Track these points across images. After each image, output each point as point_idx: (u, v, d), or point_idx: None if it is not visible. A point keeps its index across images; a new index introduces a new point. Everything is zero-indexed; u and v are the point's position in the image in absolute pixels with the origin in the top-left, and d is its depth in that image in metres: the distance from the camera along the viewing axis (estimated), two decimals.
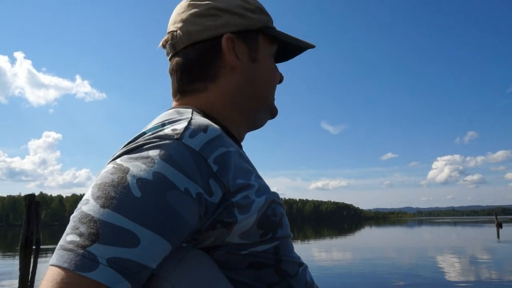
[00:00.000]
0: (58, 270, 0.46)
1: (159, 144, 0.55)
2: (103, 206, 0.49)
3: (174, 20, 0.77)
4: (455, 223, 66.94)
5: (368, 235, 32.64)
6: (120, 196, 0.50)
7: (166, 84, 0.81)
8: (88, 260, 0.46)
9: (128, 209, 0.49)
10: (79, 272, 0.45)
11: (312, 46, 0.85)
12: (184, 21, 0.75)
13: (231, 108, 0.76)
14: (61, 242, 0.49)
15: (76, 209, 0.52)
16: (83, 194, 0.55)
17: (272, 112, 0.84)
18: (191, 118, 0.62)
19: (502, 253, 14.12)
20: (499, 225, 39.23)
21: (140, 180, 0.51)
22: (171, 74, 0.78)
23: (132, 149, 0.56)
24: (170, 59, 0.78)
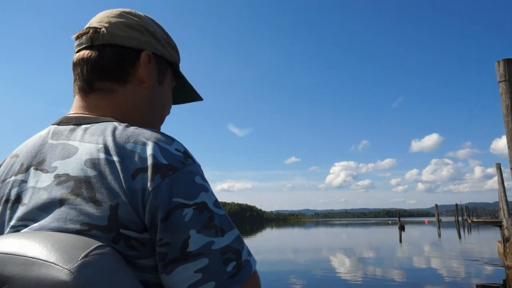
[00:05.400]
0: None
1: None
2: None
3: (100, 19, 0.78)
4: (347, 225, 72.22)
5: (269, 236, 33.56)
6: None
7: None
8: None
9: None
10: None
11: (200, 99, 0.96)
12: (112, 24, 0.77)
13: (134, 118, 0.77)
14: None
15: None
16: None
17: None
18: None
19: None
20: (402, 228, 38.69)
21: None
22: (77, 65, 0.77)
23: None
24: (79, 51, 0.78)
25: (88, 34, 0.76)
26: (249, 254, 0.65)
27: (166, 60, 0.83)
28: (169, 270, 0.58)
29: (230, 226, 0.64)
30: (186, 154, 0.64)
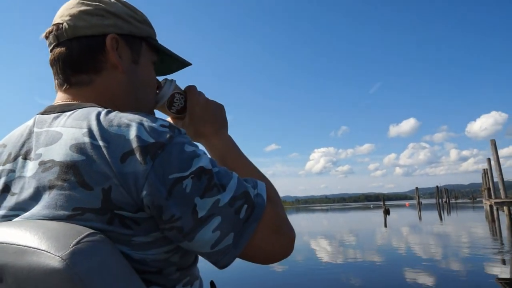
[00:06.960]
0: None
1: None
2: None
3: (61, 14, 0.78)
4: (327, 210, 73.25)
5: None
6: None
7: None
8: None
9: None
10: None
11: (189, 64, 0.93)
12: (72, 15, 0.76)
13: (119, 104, 0.77)
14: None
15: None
16: None
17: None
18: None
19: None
20: (387, 212, 37.96)
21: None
22: (52, 64, 0.78)
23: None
24: (51, 50, 0.78)
25: (53, 32, 0.77)
26: (255, 186, 0.70)
27: (138, 37, 0.81)
28: (189, 238, 0.62)
29: (228, 177, 0.66)
30: (172, 126, 0.65)
